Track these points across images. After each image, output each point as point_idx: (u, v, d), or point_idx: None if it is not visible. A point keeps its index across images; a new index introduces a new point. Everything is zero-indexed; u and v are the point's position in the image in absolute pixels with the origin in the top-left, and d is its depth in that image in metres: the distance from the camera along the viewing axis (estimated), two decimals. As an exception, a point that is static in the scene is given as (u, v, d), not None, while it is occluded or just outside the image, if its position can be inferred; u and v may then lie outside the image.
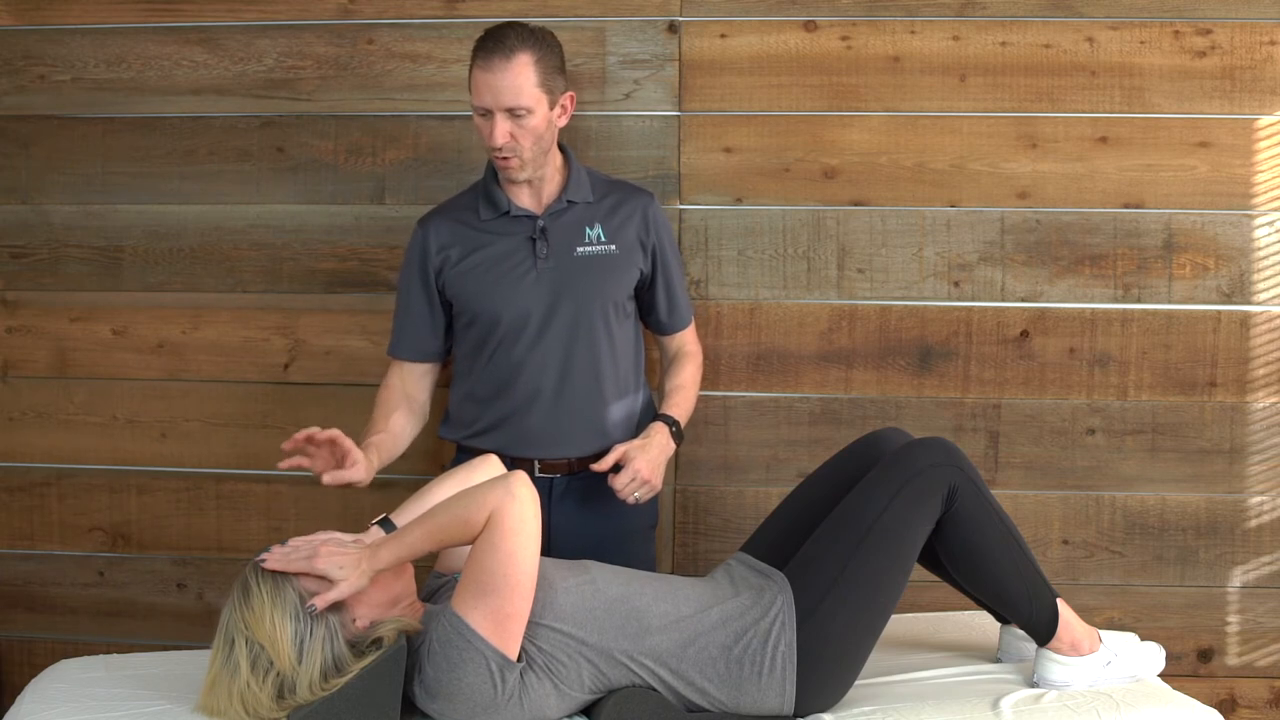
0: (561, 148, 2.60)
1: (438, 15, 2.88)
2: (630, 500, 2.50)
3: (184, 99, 2.92)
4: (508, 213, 2.55)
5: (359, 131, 2.91)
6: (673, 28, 2.88)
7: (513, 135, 2.44)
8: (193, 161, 2.94)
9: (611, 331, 2.58)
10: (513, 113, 2.42)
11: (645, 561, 2.67)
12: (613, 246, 2.57)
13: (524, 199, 2.56)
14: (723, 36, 2.87)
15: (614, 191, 2.63)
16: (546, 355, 2.54)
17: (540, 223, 2.54)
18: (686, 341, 2.75)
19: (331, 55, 2.90)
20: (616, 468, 2.49)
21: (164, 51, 2.92)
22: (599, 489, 2.55)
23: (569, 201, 2.56)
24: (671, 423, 2.59)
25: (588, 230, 2.56)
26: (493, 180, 2.58)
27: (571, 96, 2.52)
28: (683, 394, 2.67)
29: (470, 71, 2.45)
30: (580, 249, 2.56)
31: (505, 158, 2.47)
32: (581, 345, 2.55)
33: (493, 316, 2.54)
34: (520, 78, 2.41)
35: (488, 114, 2.44)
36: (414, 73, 2.89)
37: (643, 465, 2.48)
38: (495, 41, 2.42)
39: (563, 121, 2.52)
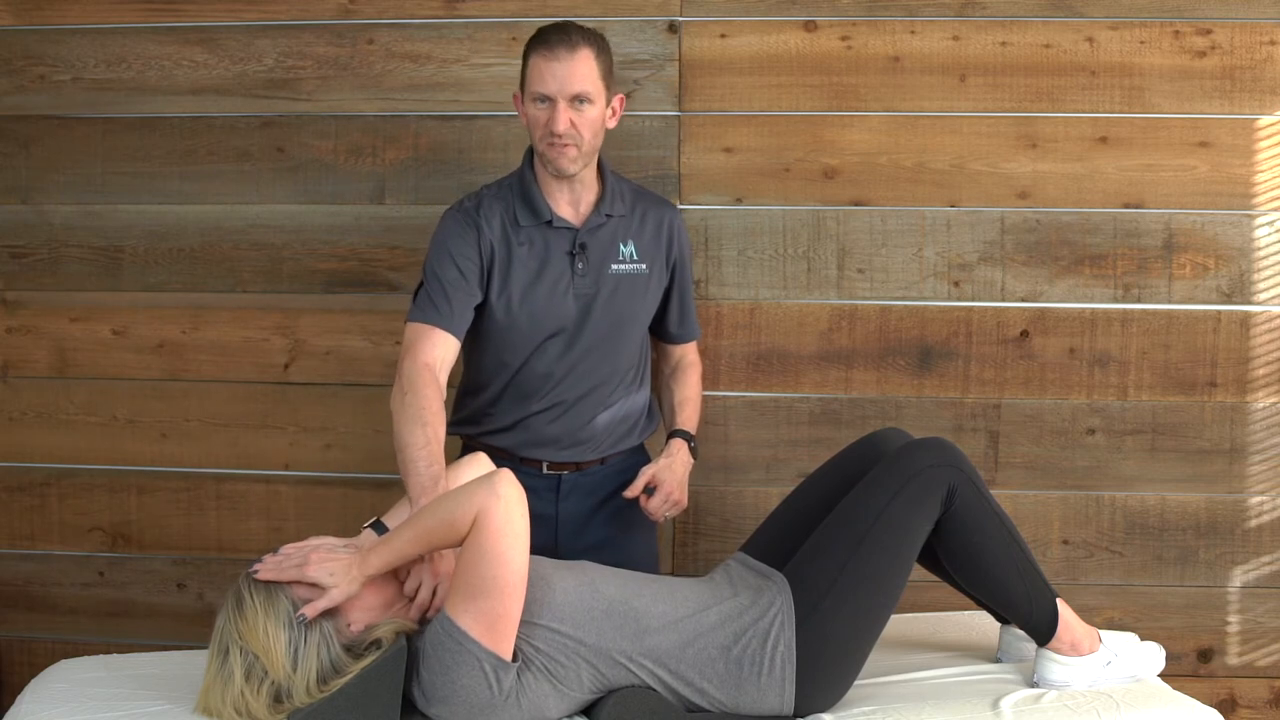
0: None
1: (438, 15, 2.88)
2: (660, 520, 2.54)
3: (184, 99, 2.92)
4: (549, 222, 2.52)
5: (359, 131, 2.91)
6: (673, 28, 2.88)
7: (574, 123, 2.42)
8: (193, 161, 2.94)
9: (634, 345, 2.59)
10: (576, 99, 2.41)
11: (649, 557, 2.68)
12: (644, 265, 2.57)
13: (563, 207, 2.52)
14: (723, 36, 2.87)
15: (641, 202, 2.61)
16: (572, 367, 2.53)
17: (580, 238, 2.52)
18: (689, 352, 2.76)
19: (331, 55, 2.90)
20: (647, 490, 2.52)
21: (164, 51, 2.92)
22: (605, 486, 2.56)
23: (606, 215, 2.54)
24: (689, 438, 2.62)
25: (621, 247, 2.55)
26: (532, 183, 2.52)
27: (621, 99, 2.52)
28: (692, 406, 2.69)
29: (527, 62, 2.44)
30: (615, 266, 2.54)
31: (565, 144, 2.43)
32: (606, 360, 2.55)
33: (526, 325, 2.51)
34: (584, 66, 2.41)
35: (548, 101, 2.41)
36: (414, 73, 2.89)
37: (673, 487, 2.53)
38: (559, 33, 2.42)
39: (612, 123, 2.51)
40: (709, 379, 2.86)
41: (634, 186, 2.66)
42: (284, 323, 2.95)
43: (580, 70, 2.40)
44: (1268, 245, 2.87)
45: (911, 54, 2.86)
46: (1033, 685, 2.27)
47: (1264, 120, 2.85)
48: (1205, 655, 2.95)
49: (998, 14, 2.85)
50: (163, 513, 3.01)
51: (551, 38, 2.42)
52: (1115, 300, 2.89)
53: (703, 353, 2.89)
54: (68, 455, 3.01)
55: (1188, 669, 2.93)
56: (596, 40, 2.45)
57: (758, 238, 2.90)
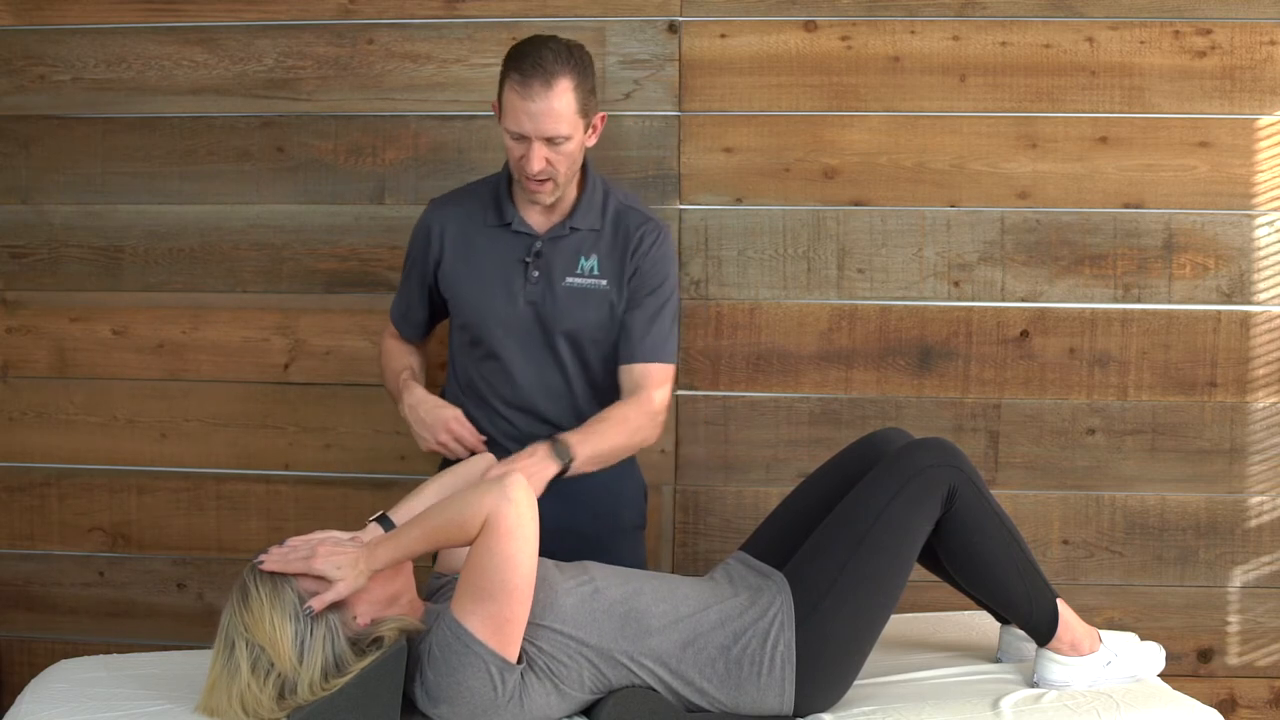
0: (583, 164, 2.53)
1: (438, 15, 2.88)
2: None
3: (184, 99, 2.92)
4: (509, 225, 2.50)
5: (359, 131, 2.91)
6: (673, 28, 2.88)
7: (548, 161, 2.38)
8: (193, 161, 2.94)
9: (587, 358, 2.51)
10: (551, 141, 2.35)
11: (635, 564, 2.65)
12: (603, 281, 2.49)
13: (532, 215, 2.49)
14: (723, 36, 2.87)
15: (625, 217, 2.51)
16: (526, 372, 2.50)
17: (537, 244, 2.48)
18: (644, 379, 2.47)
19: (331, 55, 2.90)
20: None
21: (164, 51, 2.92)
22: (582, 489, 2.51)
23: (571, 228, 2.48)
24: (563, 454, 2.32)
25: (582, 260, 2.49)
26: (505, 187, 2.51)
27: (602, 117, 2.45)
28: (598, 427, 2.39)
29: (503, 91, 2.36)
30: (570, 279, 2.48)
31: (541, 182, 2.40)
32: (558, 369, 2.50)
33: (479, 326, 2.50)
34: (560, 104, 2.33)
35: (523, 139, 2.36)
36: (414, 73, 2.89)
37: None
38: (534, 65, 2.32)
39: (592, 142, 2.45)
40: (709, 379, 2.86)
41: (623, 200, 2.55)
42: (284, 323, 2.95)
43: (556, 109, 2.33)
44: (1268, 245, 2.87)
45: (911, 54, 2.86)
46: (1033, 685, 2.27)
47: (1264, 120, 2.85)
48: (1205, 655, 2.95)
49: (998, 14, 2.85)
50: (163, 513, 3.01)
51: (527, 68, 2.32)
52: (1115, 300, 2.89)
53: (703, 353, 2.90)
54: (68, 455, 3.01)
55: (1188, 669, 2.93)
56: (575, 64, 2.35)
57: (758, 238, 2.90)
